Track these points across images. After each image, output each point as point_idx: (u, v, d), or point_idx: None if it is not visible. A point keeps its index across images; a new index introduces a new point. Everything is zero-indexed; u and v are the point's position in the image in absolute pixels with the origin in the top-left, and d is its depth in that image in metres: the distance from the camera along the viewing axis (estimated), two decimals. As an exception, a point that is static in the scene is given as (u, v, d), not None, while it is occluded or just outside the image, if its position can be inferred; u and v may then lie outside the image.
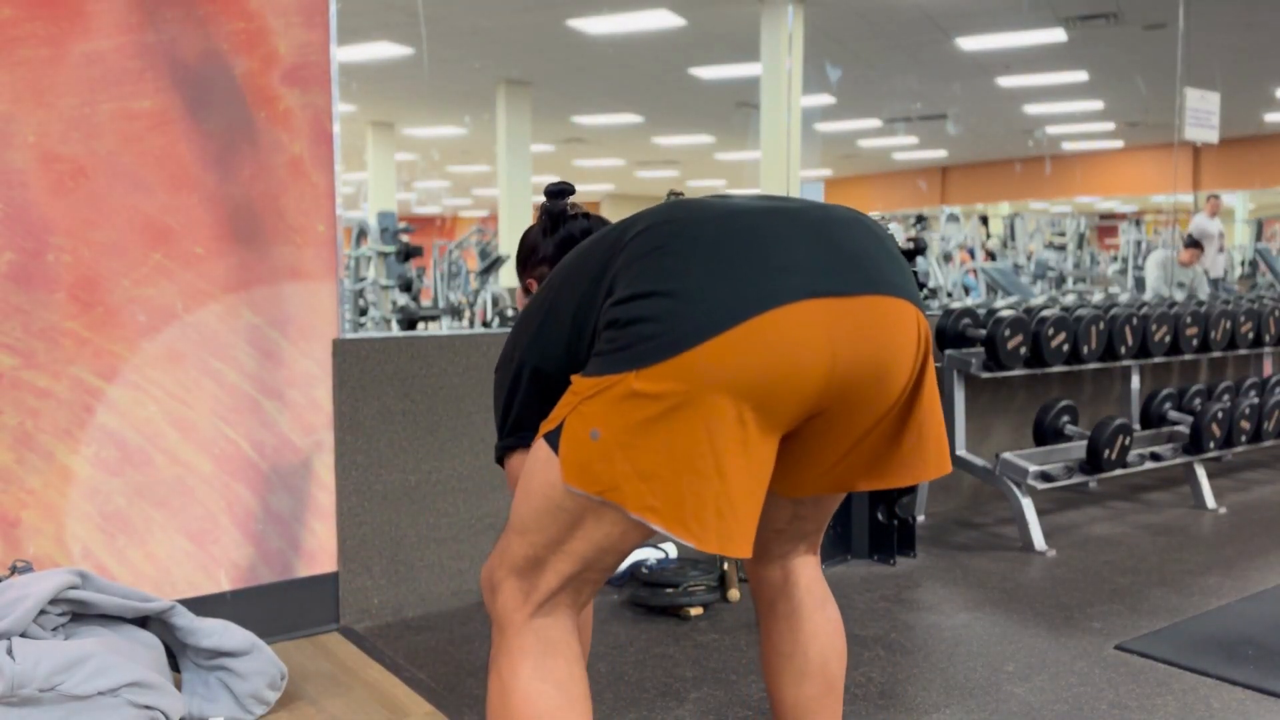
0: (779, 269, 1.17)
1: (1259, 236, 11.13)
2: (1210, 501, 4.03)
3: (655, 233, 1.22)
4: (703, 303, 1.14)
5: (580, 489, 1.19)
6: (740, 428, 1.16)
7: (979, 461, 3.64)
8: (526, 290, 1.75)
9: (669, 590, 2.77)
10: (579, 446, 1.19)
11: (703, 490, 1.15)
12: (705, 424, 1.14)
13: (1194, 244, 6.61)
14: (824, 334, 1.17)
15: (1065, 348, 3.70)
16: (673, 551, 3.13)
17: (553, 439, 1.23)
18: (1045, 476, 3.59)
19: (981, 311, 3.87)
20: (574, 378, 1.23)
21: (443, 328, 4.98)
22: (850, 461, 1.34)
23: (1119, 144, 10.75)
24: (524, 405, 1.38)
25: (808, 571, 1.51)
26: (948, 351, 3.67)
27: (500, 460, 1.46)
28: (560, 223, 1.68)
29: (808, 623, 1.48)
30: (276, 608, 2.61)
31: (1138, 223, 8.34)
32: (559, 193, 1.70)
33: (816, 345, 1.17)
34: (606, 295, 1.23)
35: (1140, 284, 7.07)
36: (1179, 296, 6.22)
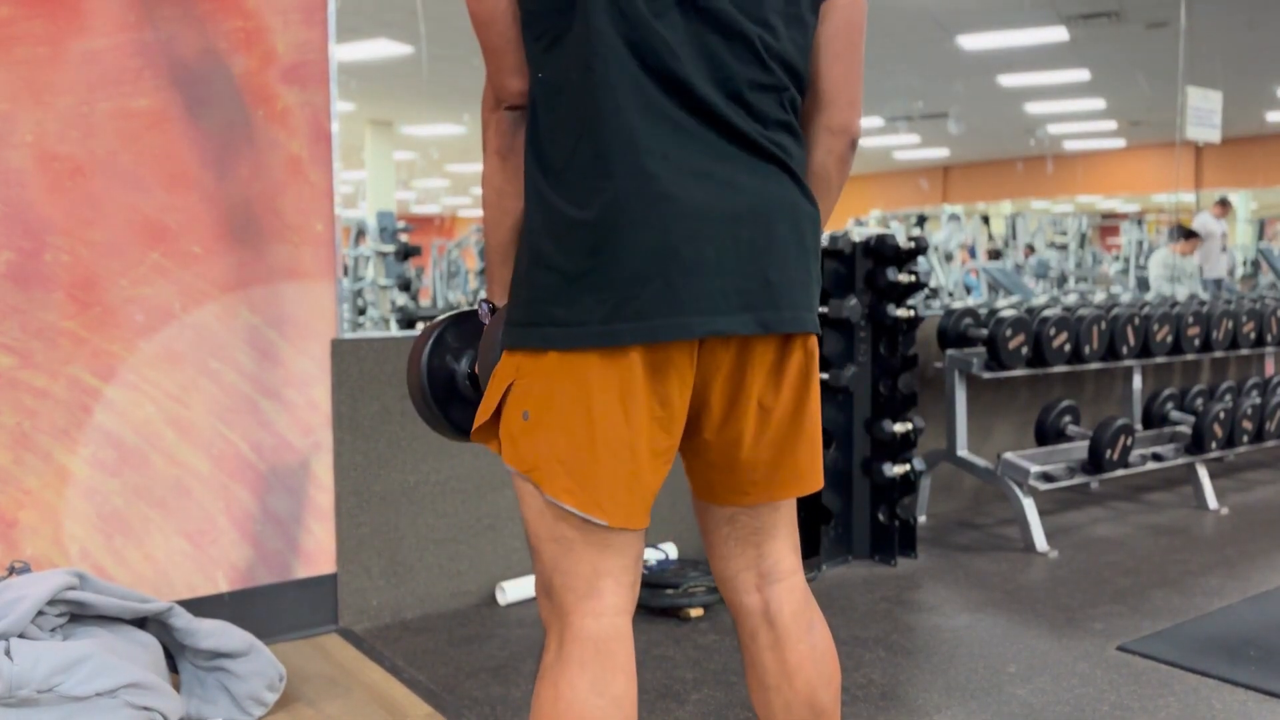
0: (694, 292, 1.20)
1: (1261, 236, 11.12)
2: (1212, 502, 4.02)
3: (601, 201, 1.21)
4: (619, 310, 1.18)
5: (512, 466, 1.26)
6: (647, 408, 1.23)
7: (980, 462, 3.63)
8: None
9: (669, 591, 2.76)
10: (513, 426, 1.26)
11: (618, 469, 1.22)
12: (621, 404, 1.21)
13: (1191, 234, 6.60)
14: (719, 359, 1.26)
15: (1067, 348, 3.69)
16: (673, 552, 3.12)
17: (497, 414, 1.29)
18: (1047, 477, 3.58)
19: (983, 311, 3.86)
20: (506, 353, 1.27)
21: (443, 327, 4.96)
22: (726, 457, 1.35)
23: (1121, 143, 10.74)
24: None
25: (793, 597, 1.42)
26: (949, 351, 3.66)
27: None
28: None
29: (792, 653, 1.40)
30: (275, 609, 2.60)
31: (1139, 222, 8.33)
32: None
33: (701, 369, 1.26)
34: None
35: (1142, 284, 7.06)
36: (1178, 291, 6.21)
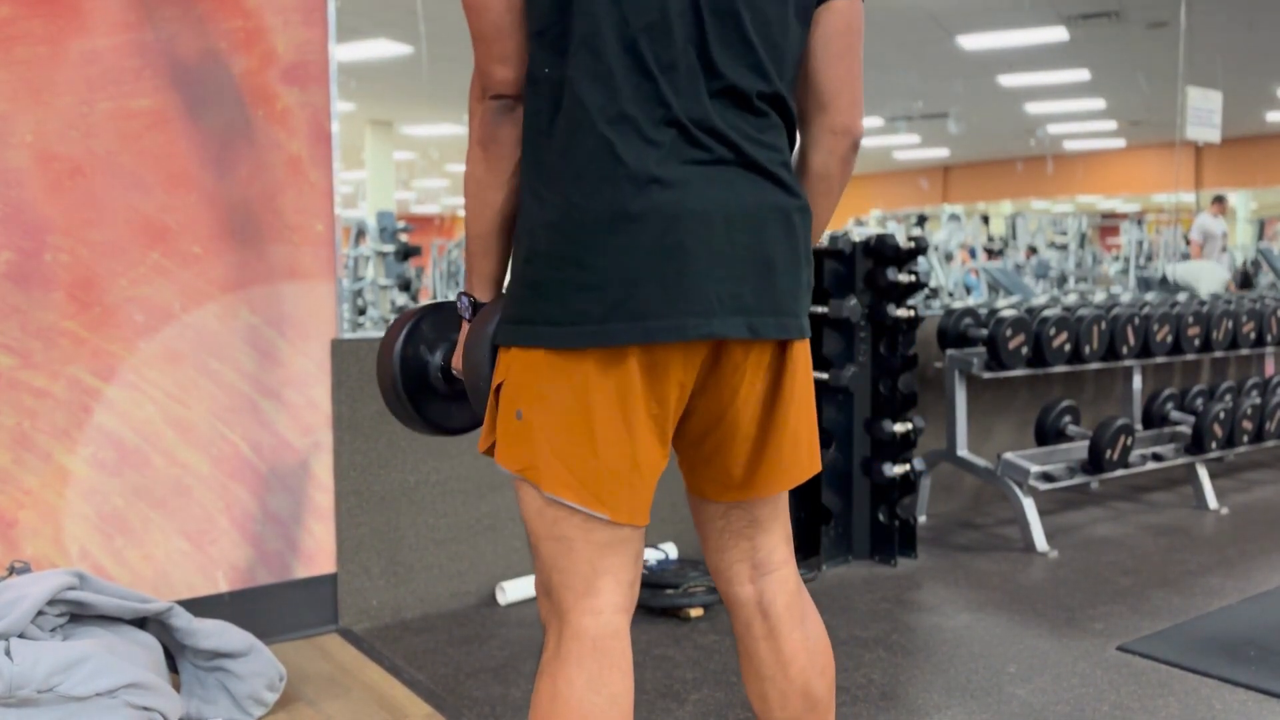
0: (689, 294, 1.21)
1: (1261, 236, 11.11)
2: (1212, 502, 4.02)
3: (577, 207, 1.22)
4: (615, 310, 1.19)
5: (506, 468, 1.27)
6: (644, 406, 1.24)
7: (980, 462, 3.63)
8: None
9: (669, 591, 2.76)
10: (507, 426, 1.27)
11: (618, 464, 1.23)
12: (619, 401, 1.22)
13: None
14: (709, 359, 1.28)
15: (1067, 348, 3.69)
16: (673, 552, 3.12)
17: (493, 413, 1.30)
18: (1047, 477, 3.58)
19: (983, 311, 3.86)
20: (500, 350, 1.28)
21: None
22: (718, 457, 1.36)
23: (1121, 143, 10.73)
24: None
25: (786, 588, 1.43)
26: (949, 351, 3.66)
27: None
28: None
29: (786, 643, 1.41)
30: (275, 609, 2.60)
31: (1139, 222, 8.33)
32: None
33: (698, 369, 1.28)
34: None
35: (1142, 284, 7.04)
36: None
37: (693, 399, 1.31)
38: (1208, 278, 6.41)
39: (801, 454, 1.39)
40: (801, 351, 1.35)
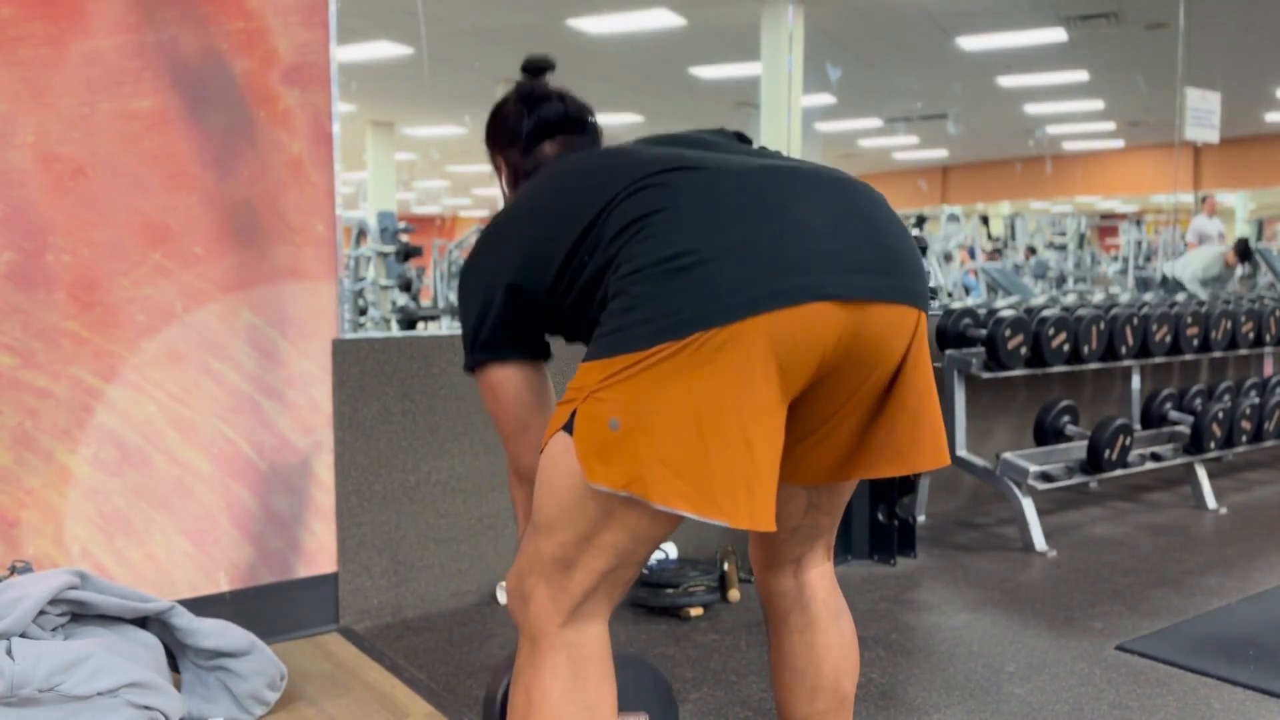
0: (809, 252, 1.14)
1: (1259, 236, 11.12)
2: (1211, 502, 4.03)
3: (666, 192, 1.17)
4: (731, 277, 1.11)
5: (604, 485, 1.15)
6: (764, 393, 1.14)
7: (979, 462, 3.63)
8: (495, 167, 1.62)
9: (669, 591, 2.77)
10: (597, 439, 1.15)
11: (733, 464, 1.12)
12: (732, 393, 1.12)
13: (1247, 254, 6.63)
14: (841, 324, 1.17)
15: (1066, 348, 3.70)
16: (673, 552, 3.13)
17: (569, 430, 1.19)
18: (1046, 477, 3.59)
19: (982, 311, 3.86)
20: (581, 364, 1.19)
21: (442, 328, 4.97)
22: (846, 443, 1.31)
23: (1119, 144, 10.73)
24: (497, 324, 1.34)
25: (825, 583, 1.43)
26: (948, 351, 3.66)
27: (471, 369, 1.40)
28: (537, 104, 1.54)
29: (822, 637, 1.41)
30: (276, 608, 2.61)
31: (1138, 223, 8.33)
32: (537, 69, 1.57)
33: (830, 335, 1.17)
34: (610, 251, 1.19)
35: (1141, 284, 7.05)
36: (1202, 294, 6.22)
37: (821, 374, 1.23)
38: (1197, 260, 6.43)
39: (924, 437, 1.31)
40: (924, 328, 1.29)
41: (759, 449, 1.14)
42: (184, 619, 2.10)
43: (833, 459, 1.32)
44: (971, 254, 8.19)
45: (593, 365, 1.17)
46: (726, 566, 2.90)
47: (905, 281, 1.22)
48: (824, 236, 1.15)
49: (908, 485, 3.30)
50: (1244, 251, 6.64)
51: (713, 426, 1.11)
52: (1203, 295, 5.73)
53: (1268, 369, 5.37)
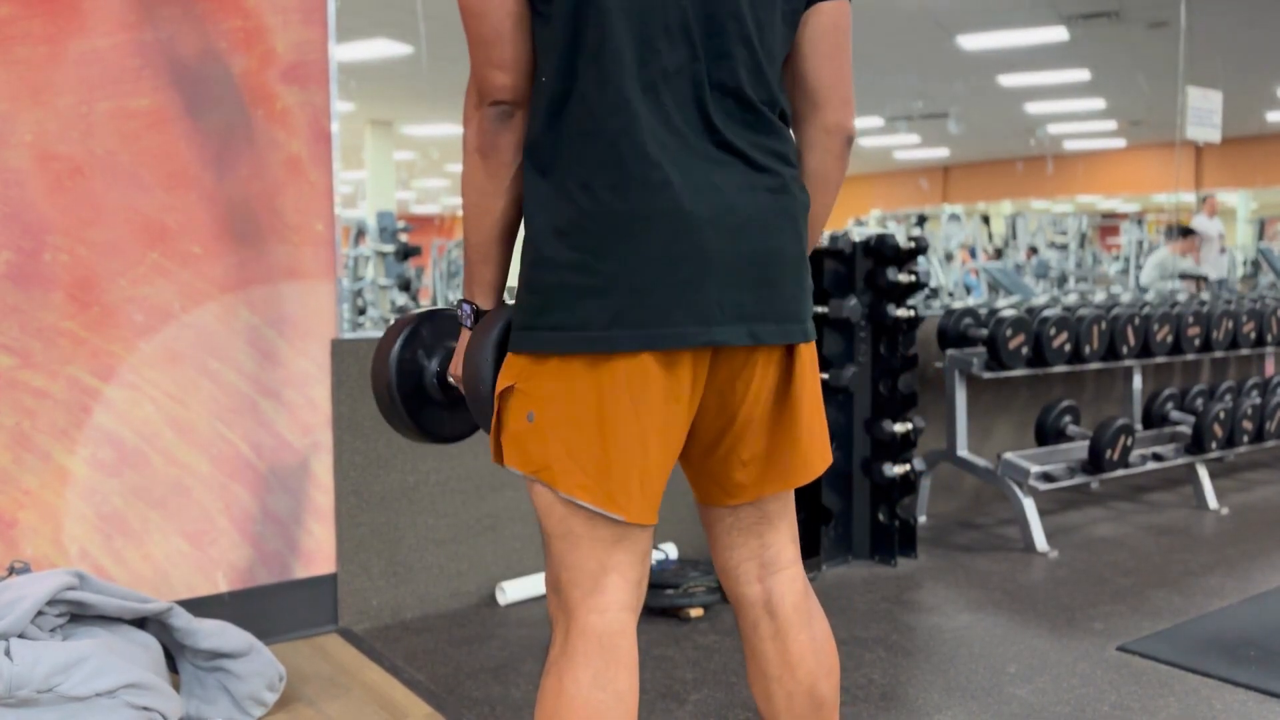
0: (693, 302, 1.22)
1: (1261, 236, 11.10)
2: (1212, 502, 4.02)
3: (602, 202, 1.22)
4: (620, 317, 1.20)
5: (515, 468, 1.27)
6: (661, 405, 1.24)
7: (980, 462, 3.63)
8: None
9: (669, 592, 2.76)
10: (515, 429, 1.27)
11: (629, 464, 1.23)
12: (631, 400, 1.22)
13: (1188, 232, 6.63)
14: (692, 369, 1.27)
15: (1067, 347, 3.69)
16: (673, 552, 3.12)
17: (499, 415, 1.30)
18: (1047, 477, 3.58)
19: (983, 311, 3.86)
20: (510, 355, 1.28)
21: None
22: (751, 461, 1.36)
23: (1121, 143, 10.72)
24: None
25: (795, 587, 1.43)
26: (949, 351, 3.66)
27: None
28: None
29: (794, 644, 1.41)
30: (275, 609, 2.60)
31: (1140, 222, 8.32)
32: None
33: (685, 378, 1.27)
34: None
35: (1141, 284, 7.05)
36: (1176, 287, 6.21)
37: (705, 399, 1.31)
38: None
39: (814, 450, 1.39)
40: (808, 353, 1.36)
41: (653, 455, 1.25)
42: (182, 620, 2.09)
43: (743, 476, 1.38)
44: (973, 253, 8.18)
45: (518, 359, 1.27)
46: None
47: (782, 326, 1.30)
48: (713, 288, 1.23)
49: (908, 486, 3.29)
50: (1183, 231, 6.71)
51: (613, 428, 1.22)
52: (1181, 293, 5.74)
53: (1269, 369, 5.37)
